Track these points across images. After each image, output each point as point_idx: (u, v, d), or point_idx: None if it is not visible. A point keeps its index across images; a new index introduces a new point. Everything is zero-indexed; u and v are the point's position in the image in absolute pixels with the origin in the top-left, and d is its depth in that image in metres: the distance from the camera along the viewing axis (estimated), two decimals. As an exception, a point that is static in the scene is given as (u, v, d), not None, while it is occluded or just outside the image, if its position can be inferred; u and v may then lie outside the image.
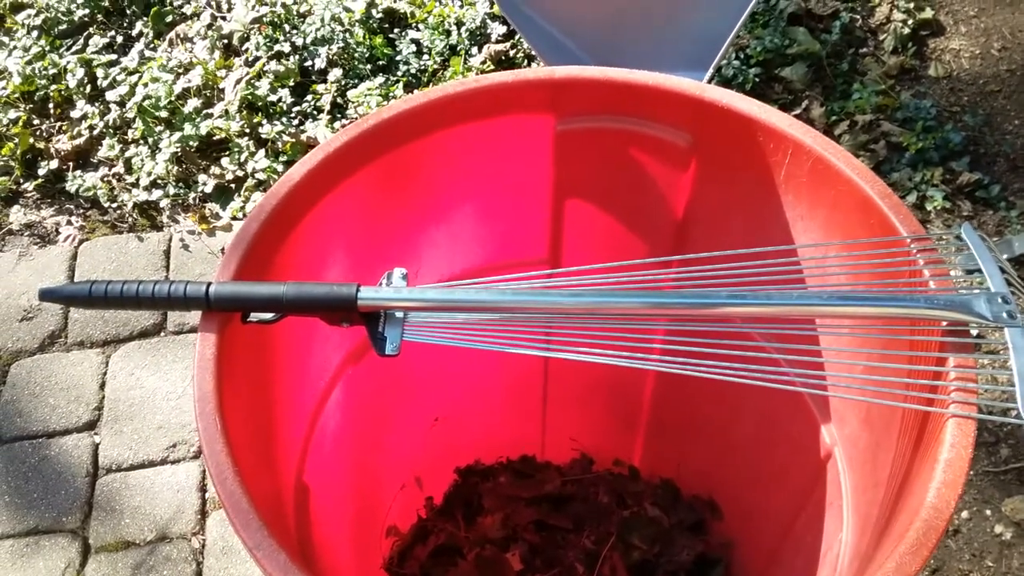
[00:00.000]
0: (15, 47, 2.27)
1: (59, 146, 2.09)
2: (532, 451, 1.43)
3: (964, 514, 1.46)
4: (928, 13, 2.14)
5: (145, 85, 2.11)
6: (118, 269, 1.87)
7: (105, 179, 2.03)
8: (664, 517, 1.32)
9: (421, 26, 2.18)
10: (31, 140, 2.09)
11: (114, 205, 1.99)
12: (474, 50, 2.14)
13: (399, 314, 0.76)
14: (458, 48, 2.14)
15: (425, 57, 2.13)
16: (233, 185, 1.99)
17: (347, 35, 2.16)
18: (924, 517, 0.61)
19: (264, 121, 2.05)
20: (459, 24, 2.17)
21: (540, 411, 1.36)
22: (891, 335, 0.79)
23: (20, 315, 1.81)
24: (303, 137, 2.02)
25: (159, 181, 2.00)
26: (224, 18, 2.28)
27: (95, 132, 2.10)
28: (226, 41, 2.23)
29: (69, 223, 1.98)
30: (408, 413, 1.21)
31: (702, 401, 1.19)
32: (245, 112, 2.07)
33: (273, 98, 2.08)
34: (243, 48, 2.21)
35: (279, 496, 0.86)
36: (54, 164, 2.05)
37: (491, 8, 2.16)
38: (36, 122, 2.15)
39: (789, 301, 0.72)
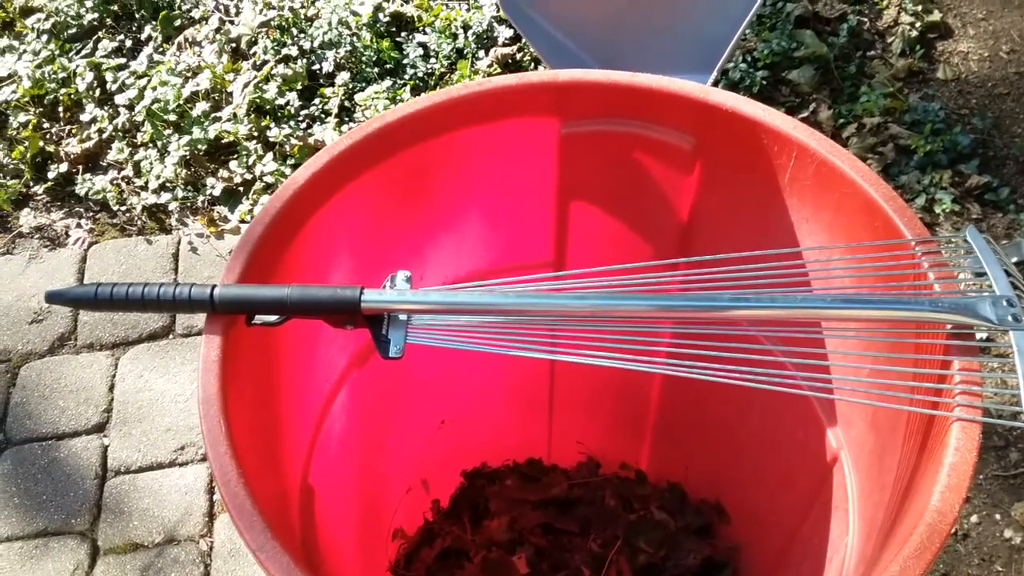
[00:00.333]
0: (25, 51, 2.28)
1: (69, 149, 2.10)
2: (539, 454, 1.43)
3: (973, 518, 1.45)
4: (936, 16, 2.14)
5: (154, 89, 2.12)
6: (127, 272, 1.88)
7: (114, 182, 2.04)
8: (671, 521, 1.32)
9: (428, 30, 2.19)
10: (41, 143, 2.11)
11: (123, 208, 2.00)
12: (481, 53, 2.14)
13: (403, 316, 0.76)
14: (465, 51, 2.14)
15: (432, 60, 2.13)
16: (241, 188, 2.00)
17: (354, 39, 2.16)
18: (928, 521, 0.60)
19: (272, 124, 2.06)
20: (466, 27, 2.17)
21: (547, 414, 1.36)
22: (896, 338, 0.78)
23: (30, 318, 1.82)
24: (311, 140, 2.02)
25: (168, 184, 2.01)
26: (232, 22, 2.29)
27: (104, 135, 2.11)
28: (234, 45, 2.24)
29: (79, 226, 1.99)
30: (414, 416, 1.22)
31: (709, 404, 1.18)
32: (253, 115, 2.07)
33: (281, 101, 2.09)
34: (251, 52, 2.22)
35: (284, 498, 0.86)
36: (64, 167, 2.07)
37: (498, 12, 2.17)
38: (46, 125, 2.17)
39: (793, 304, 0.72)
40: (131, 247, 1.93)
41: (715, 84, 1.98)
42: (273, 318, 0.77)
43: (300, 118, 2.08)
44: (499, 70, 2.10)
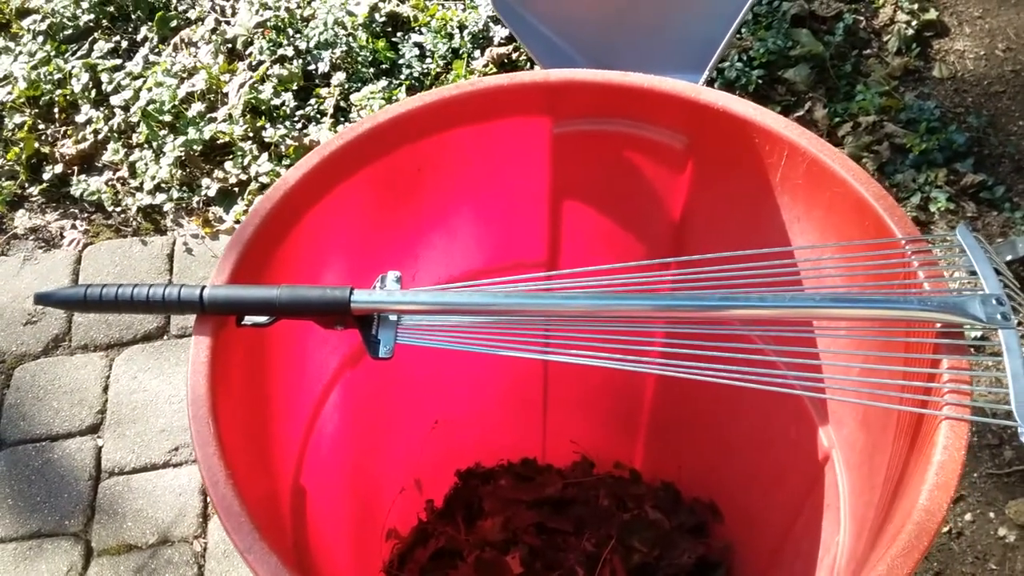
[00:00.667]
0: (21, 52, 2.28)
1: (64, 150, 2.10)
2: (533, 454, 1.43)
3: (967, 516, 1.45)
4: (932, 14, 2.13)
5: (149, 90, 2.12)
6: (122, 273, 1.88)
7: (109, 183, 2.04)
8: (665, 520, 1.32)
9: (424, 29, 2.19)
10: (36, 145, 2.10)
11: (118, 209, 2.00)
12: (476, 53, 2.14)
13: (392, 317, 0.76)
14: (461, 51, 2.14)
15: (428, 60, 2.13)
16: (236, 189, 2.00)
17: (350, 39, 2.16)
18: (916, 520, 0.60)
19: (267, 125, 2.06)
20: (462, 27, 2.17)
21: (541, 413, 1.36)
22: (887, 337, 0.78)
23: (24, 319, 1.82)
24: (306, 141, 2.02)
25: (163, 185, 2.01)
26: (228, 23, 2.29)
27: (100, 136, 2.11)
28: (230, 45, 2.24)
29: (73, 227, 1.98)
30: (407, 416, 1.21)
31: (702, 403, 1.18)
32: (248, 116, 2.07)
33: (276, 102, 2.08)
34: (247, 52, 2.22)
35: (275, 499, 0.86)
36: (59, 168, 2.06)
37: (493, 11, 2.16)
38: (41, 127, 2.17)
39: (783, 303, 0.72)
40: (126, 248, 1.92)
41: (710, 83, 1.98)
42: (263, 319, 0.76)
43: (296, 118, 2.08)
44: (495, 70, 2.10)
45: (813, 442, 0.96)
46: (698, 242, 1.01)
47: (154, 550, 1.49)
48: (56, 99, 2.19)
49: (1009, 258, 1.69)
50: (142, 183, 2.02)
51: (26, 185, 2.07)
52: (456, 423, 1.29)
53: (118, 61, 2.24)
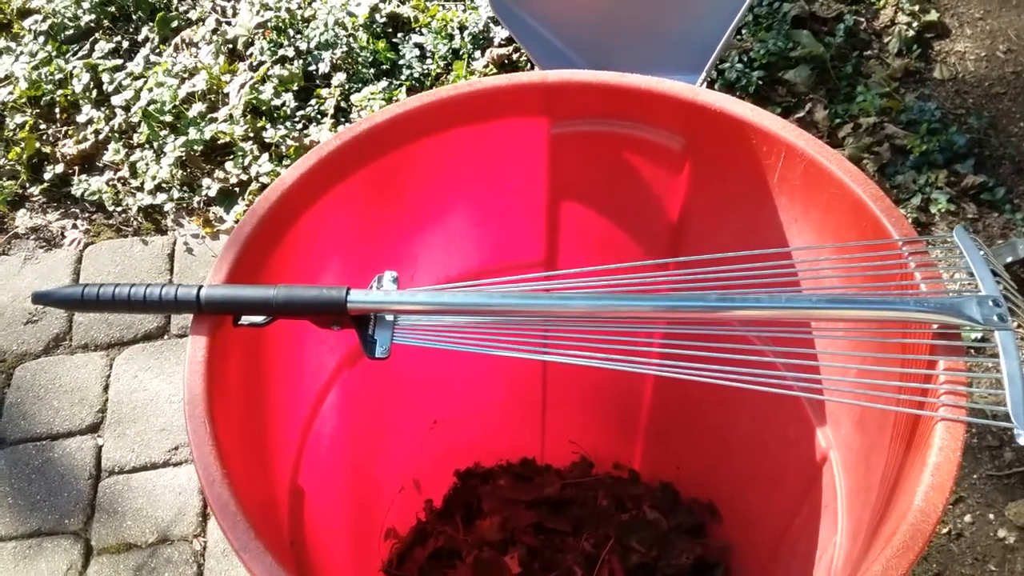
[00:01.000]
0: (22, 52, 2.28)
1: (65, 150, 2.10)
2: (532, 454, 1.43)
3: (967, 518, 1.45)
4: (933, 15, 2.13)
5: (150, 90, 2.12)
6: (122, 273, 1.88)
7: (110, 183, 2.04)
8: (663, 520, 1.32)
9: (424, 30, 2.19)
10: (37, 145, 2.11)
11: (119, 209, 2.00)
12: (477, 54, 2.14)
13: (389, 317, 0.76)
14: (461, 52, 2.14)
15: (428, 61, 2.13)
16: (237, 189, 2.00)
17: (351, 39, 2.16)
18: (911, 521, 0.60)
19: (268, 125, 2.06)
20: (462, 28, 2.17)
21: (540, 414, 1.36)
22: (883, 338, 0.78)
23: (25, 318, 1.82)
24: (306, 141, 2.03)
25: (163, 185, 2.01)
26: (229, 23, 2.30)
27: (100, 137, 2.12)
28: (231, 46, 2.24)
29: (74, 227, 1.99)
30: (406, 416, 1.22)
31: (700, 404, 1.18)
32: (249, 116, 2.07)
33: (277, 102, 2.09)
34: (247, 53, 2.22)
35: (272, 498, 0.86)
36: (60, 168, 2.07)
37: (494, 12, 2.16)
38: (42, 127, 2.17)
39: (780, 304, 0.72)
40: (127, 248, 1.93)
41: (710, 85, 1.99)
42: (260, 319, 0.77)
43: (296, 119, 2.08)
44: (495, 71, 2.10)
45: (811, 443, 0.96)
46: (696, 243, 1.01)
47: (154, 549, 1.50)
48: (57, 99, 2.19)
49: (1010, 260, 1.69)
50: (143, 183, 2.02)
51: (27, 185, 2.07)
52: (455, 423, 1.29)
53: (119, 61, 2.25)
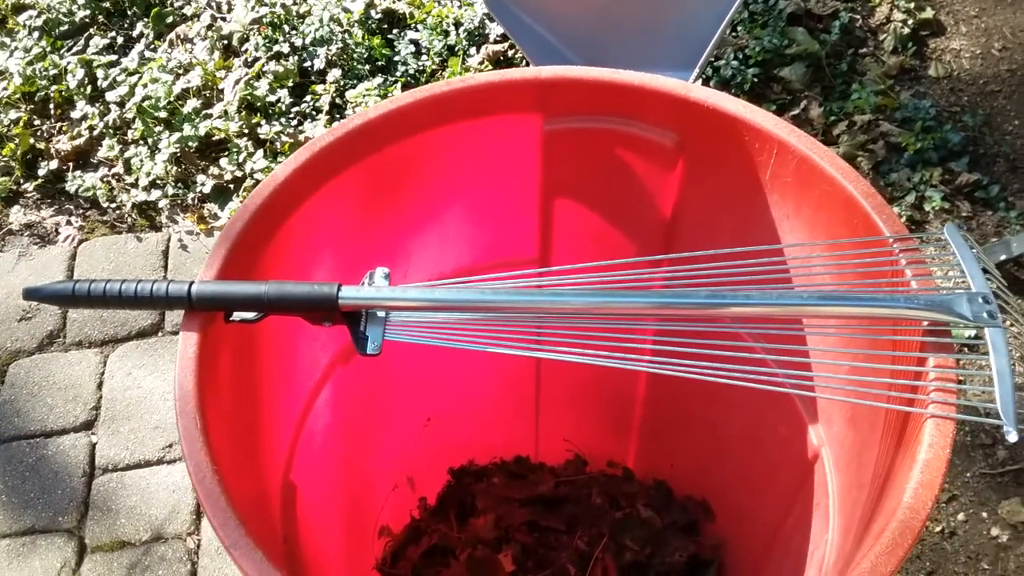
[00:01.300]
0: (16, 48, 2.28)
1: (59, 146, 2.10)
2: (526, 452, 1.43)
3: (960, 516, 1.45)
4: (928, 13, 2.13)
5: (145, 86, 2.12)
6: (117, 269, 1.88)
7: (104, 179, 2.04)
8: (657, 518, 1.32)
9: (420, 27, 2.18)
10: (31, 140, 2.10)
11: (113, 205, 2.00)
12: (472, 50, 2.14)
13: (381, 313, 0.76)
14: (456, 49, 2.14)
15: (423, 58, 2.13)
16: (231, 185, 1.99)
17: (346, 36, 2.16)
18: (900, 518, 0.61)
19: (263, 121, 2.06)
20: (457, 24, 2.17)
21: (533, 411, 1.36)
22: (874, 335, 0.78)
23: (19, 315, 1.82)
24: (301, 137, 2.02)
25: (158, 181, 2.01)
26: (224, 19, 2.29)
27: (95, 132, 2.11)
28: (226, 42, 2.24)
29: (69, 223, 1.98)
30: (400, 413, 1.21)
31: (694, 402, 1.18)
32: (244, 112, 2.07)
33: (272, 98, 2.08)
34: (242, 49, 2.21)
35: (264, 495, 0.86)
36: (54, 164, 2.06)
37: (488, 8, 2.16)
38: (36, 123, 2.16)
39: (770, 301, 0.72)
40: (121, 244, 1.92)
41: (705, 81, 1.99)
42: (251, 315, 0.76)
43: (291, 115, 2.08)
44: (490, 67, 2.10)
45: (803, 440, 0.96)
46: (688, 239, 1.01)
47: (147, 547, 1.49)
48: (51, 95, 2.18)
49: (1003, 257, 1.69)
50: (137, 179, 2.02)
51: (21, 181, 2.07)
52: (449, 420, 1.29)
53: (114, 57, 2.24)
